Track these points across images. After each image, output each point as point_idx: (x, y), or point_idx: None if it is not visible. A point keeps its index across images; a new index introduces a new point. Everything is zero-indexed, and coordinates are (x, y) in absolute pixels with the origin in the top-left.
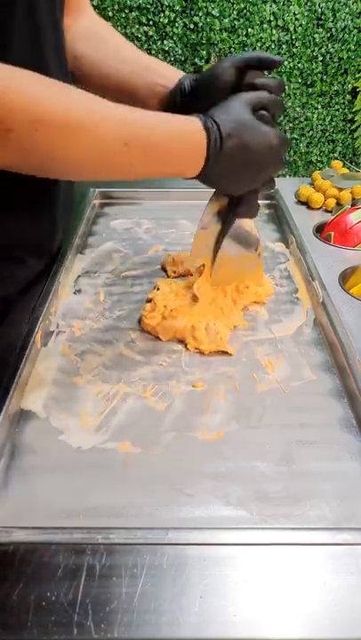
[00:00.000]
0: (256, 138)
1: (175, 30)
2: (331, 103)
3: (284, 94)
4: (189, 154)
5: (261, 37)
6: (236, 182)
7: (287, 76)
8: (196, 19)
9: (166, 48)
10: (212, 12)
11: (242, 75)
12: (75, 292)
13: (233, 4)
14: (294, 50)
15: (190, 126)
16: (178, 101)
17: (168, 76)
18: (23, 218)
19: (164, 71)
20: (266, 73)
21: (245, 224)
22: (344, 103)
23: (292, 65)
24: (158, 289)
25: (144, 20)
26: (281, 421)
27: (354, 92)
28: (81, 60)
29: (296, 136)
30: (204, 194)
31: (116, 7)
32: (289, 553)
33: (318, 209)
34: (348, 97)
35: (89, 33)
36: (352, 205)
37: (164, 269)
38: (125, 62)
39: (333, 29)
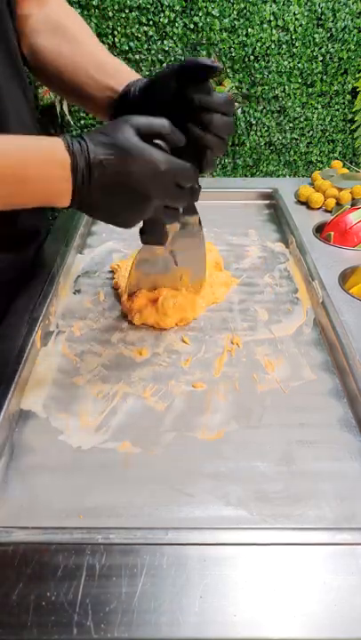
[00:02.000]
0: (137, 165)
1: (175, 30)
2: (331, 103)
3: (284, 96)
4: (51, 181)
5: (261, 37)
6: (117, 215)
7: (287, 76)
8: (196, 19)
9: (166, 48)
10: (212, 12)
11: (184, 84)
12: (75, 292)
13: (233, 3)
14: (294, 50)
15: (52, 150)
16: (128, 106)
17: (119, 78)
18: None
19: (117, 73)
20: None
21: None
22: (344, 103)
23: (292, 65)
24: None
25: (144, 20)
26: (281, 421)
27: (354, 92)
28: (37, 54)
29: (296, 136)
30: (204, 194)
31: (116, 7)
32: (289, 553)
33: (318, 209)
34: (348, 97)
35: (50, 24)
36: (352, 205)
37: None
38: (81, 59)
39: (333, 29)
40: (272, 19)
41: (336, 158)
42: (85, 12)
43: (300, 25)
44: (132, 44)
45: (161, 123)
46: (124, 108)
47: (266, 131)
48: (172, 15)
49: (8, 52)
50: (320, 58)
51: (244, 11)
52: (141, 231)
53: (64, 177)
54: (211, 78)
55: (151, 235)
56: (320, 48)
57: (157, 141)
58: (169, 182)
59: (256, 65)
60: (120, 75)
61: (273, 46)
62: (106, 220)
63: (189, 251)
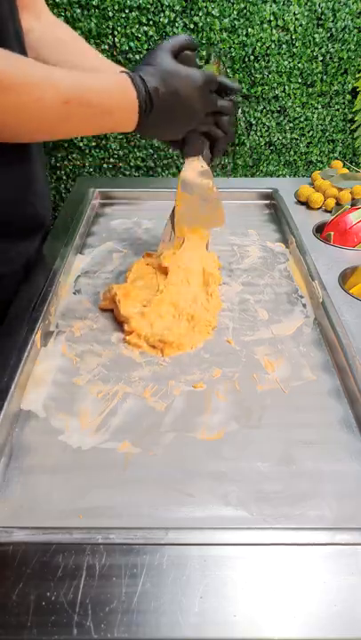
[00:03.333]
0: (181, 83)
1: (175, 30)
2: (331, 103)
3: (284, 96)
4: (123, 110)
5: (261, 37)
6: (171, 128)
7: (287, 76)
8: (196, 19)
9: None
10: (212, 12)
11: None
12: (74, 292)
13: (233, 3)
14: (294, 50)
15: (121, 84)
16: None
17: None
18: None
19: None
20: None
21: (196, 164)
22: (344, 103)
23: (292, 65)
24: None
25: (144, 20)
26: (281, 421)
27: (354, 92)
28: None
29: (296, 136)
30: None
31: (116, 7)
32: (289, 553)
33: (318, 209)
34: (349, 97)
35: (51, 38)
36: (352, 205)
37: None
38: (91, 69)
39: (333, 29)
40: (272, 19)
41: (336, 158)
42: (85, 12)
43: (300, 25)
44: (132, 43)
45: (183, 37)
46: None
47: (266, 131)
48: (172, 15)
49: (21, 50)
50: (320, 58)
51: (244, 11)
52: (181, 146)
53: (132, 106)
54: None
55: (192, 146)
56: (320, 48)
57: (188, 53)
58: (206, 91)
59: (256, 65)
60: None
61: (273, 46)
62: (159, 137)
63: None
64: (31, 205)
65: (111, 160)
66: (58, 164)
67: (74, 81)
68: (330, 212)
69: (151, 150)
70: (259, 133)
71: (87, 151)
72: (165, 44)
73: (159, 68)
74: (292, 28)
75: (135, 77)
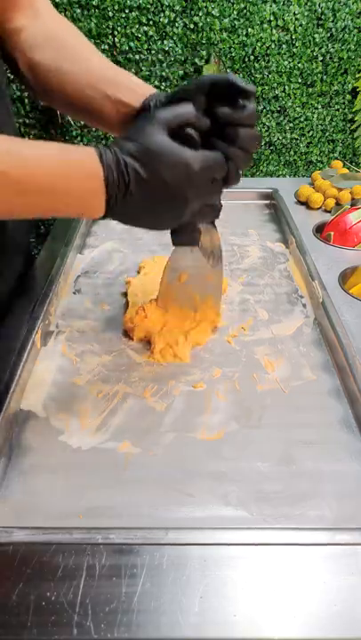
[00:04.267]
0: (171, 170)
1: (175, 30)
2: (331, 103)
3: (284, 96)
4: (82, 192)
5: (261, 37)
6: (154, 221)
7: (287, 76)
8: (196, 19)
9: (166, 48)
10: (212, 12)
11: (213, 99)
12: (75, 292)
13: (233, 3)
14: (294, 50)
15: (83, 160)
16: None
17: (131, 91)
18: None
19: (128, 85)
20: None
21: (206, 240)
22: (344, 103)
23: (292, 65)
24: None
25: (144, 20)
26: (281, 421)
27: (354, 92)
28: (37, 70)
29: (296, 136)
30: None
31: (116, 7)
32: (289, 553)
33: (318, 209)
34: (349, 97)
35: (46, 37)
36: (352, 205)
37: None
38: (85, 73)
39: (333, 29)
40: (272, 19)
41: (336, 158)
42: (85, 12)
43: (300, 25)
44: (132, 43)
45: (186, 109)
46: None
47: (266, 131)
48: (172, 15)
49: None
50: (320, 58)
51: (244, 11)
52: (173, 232)
53: (97, 190)
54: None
55: (184, 235)
56: (320, 48)
57: (189, 131)
58: (204, 180)
59: (256, 65)
60: (133, 88)
61: (273, 46)
62: (144, 227)
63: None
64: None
65: None
66: None
67: (12, 149)
68: (330, 211)
69: None
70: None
71: None
72: (162, 114)
73: (144, 144)
74: (292, 28)
75: (106, 154)
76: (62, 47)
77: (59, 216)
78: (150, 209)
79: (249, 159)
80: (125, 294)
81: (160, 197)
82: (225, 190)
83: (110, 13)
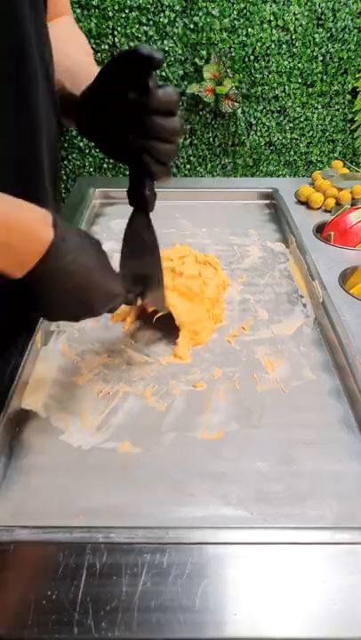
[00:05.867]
0: (95, 289)
1: (175, 30)
2: (331, 103)
3: (284, 96)
4: (22, 245)
5: (261, 37)
6: (56, 306)
7: (287, 76)
8: (196, 19)
9: (166, 48)
10: (212, 12)
11: (125, 80)
12: None
13: (233, 3)
14: (294, 50)
15: (33, 216)
16: (84, 112)
17: (77, 79)
18: None
19: (75, 74)
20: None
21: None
22: (344, 103)
23: (292, 65)
24: None
25: (144, 20)
26: (281, 421)
27: (354, 92)
28: None
29: (296, 136)
30: (204, 194)
31: (116, 7)
32: (289, 552)
33: (318, 209)
34: (349, 97)
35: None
36: (352, 205)
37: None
38: (64, 66)
39: (333, 29)
40: (272, 19)
41: (336, 158)
42: (85, 12)
43: (300, 25)
44: (132, 44)
45: None
46: (82, 114)
47: (266, 131)
48: (172, 15)
49: (46, 72)
50: (320, 58)
51: (244, 11)
52: (128, 193)
53: (36, 250)
54: (153, 71)
55: (133, 197)
56: (320, 48)
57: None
58: (117, 302)
59: (256, 65)
60: (79, 76)
61: (273, 46)
62: (38, 312)
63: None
64: None
65: (111, 160)
66: (58, 164)
67: None
68: (330, 211)
69: None
70: (259, 133)
71: (87, 151)
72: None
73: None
74: (292, 28)
75: (58, 223)
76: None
77: None
78: (58, 297)
79: (170, 151)
80: None
81: (75, 287)
82: (224, 191)
83: (110, 13)
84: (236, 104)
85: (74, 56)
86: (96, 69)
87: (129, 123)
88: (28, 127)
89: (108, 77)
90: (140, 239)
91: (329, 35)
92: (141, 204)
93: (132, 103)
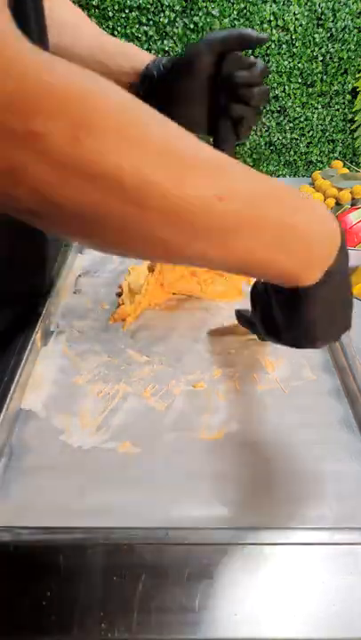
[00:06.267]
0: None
1: (175, 30)
2: (331, 103)
3: (284, 96)
4: (327, 250)
5: None
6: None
7: (287, 76)
8: (196, 19)
9: (166, 48)
10: (212, 12)
11: (221, 58)
12: (75, 292)
13: (233, 3)
14: (294, 50)
15: (329, 216)
16: (153, 88)
17: (136, 58)
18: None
19: (127, 54)
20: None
21: None
22: (344, 103)
23: (292, 65)
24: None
25: (144, 20)
26: (281, 421)
27: (354, 92)
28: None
29: (296, 136)
30: None
31: (116, 7)
32: (289, 552)
33: None
34: (349, 97)
35: (51, 21)
36: (352, 205)
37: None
38: (83, 46)
39: (333, 29)
40: (272, 19)
41: (336, 158)
42: (85, 12)
43: (300, 25)
44: (132, 44)
45: None
46: (149, 90)
47: (266, 131)
48: (172, 15)
49: (40, 30)
50: (320, 58)
51: (244, 11)
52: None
53: (335, 244)
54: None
55: (220, 140)
56: (320, 48)
57: None
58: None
59: None
60: (132, 57)
61: (273, 46)
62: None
63: None
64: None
65: None
66: None
67: (247, 175)
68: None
69: None
70: (259, 133)
71: None
72: None
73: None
74: (292, 28)
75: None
76: (62, 26)
77: (265, 272)
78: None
79: (260, 115)
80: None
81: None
82: None
83: (110, 13)
84: None
85: (100, 40)
86: (129, 47)
87: (219, 95)
88: None
89: (195, 57)
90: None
91: (329, 35)
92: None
93: (236, 80)
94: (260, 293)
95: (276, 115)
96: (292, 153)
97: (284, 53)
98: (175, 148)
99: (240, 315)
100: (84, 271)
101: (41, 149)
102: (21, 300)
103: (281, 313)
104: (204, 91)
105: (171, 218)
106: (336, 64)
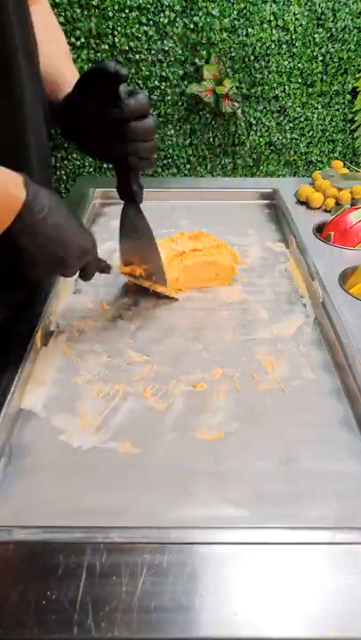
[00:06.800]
0: (70, 245)
1: (175, 30)
2: (331, 103)
3: (284, 96)
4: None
5: (261, 37)
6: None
7: (287, 76)
8: (196, 19)
9: (166, 48)
10: (212, 12)
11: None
12: (75, 292)
13: (233, 3)
14: (294, 50)
15: (6, 178)
16: (66, 119)
17: (59, 85)
18: None
19: (58, 81)
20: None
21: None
22: (344, 103)
23: (292, 65)
24: None
25: (144, 20)
26: (281, 421)
27: (354, 92)
28: None
29: (296, 136)
30: (204, 194)
31: (116, 7)
32: (289, 552)
33: (318, 209)
34: (349, 97)
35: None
36: (352, 205)
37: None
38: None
39: (333, 29)
40: (272, 19)
41: (336, 158)
42: (85, 12)
43: (300, 25)
44: (132, 44)
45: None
46: (63, 121)
47: (266, 131)
48: (172, 15)
49: (30, 60)
50: (320, 58)
51: (244, 11)
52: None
53: (11, 209)
54: (119, 85)
55: (122, 192)
56: (320, 48)
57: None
58: (88, 257)
59: (256, 65)
60: (58, 84)
61: (273, 46)
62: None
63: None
64: None
65: None
66: (58, 164)
67: None
68: (330, 211)
69: None
70: (259, 133)
71: None
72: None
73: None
74: (292, 28)
75: (30, 184)
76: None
77: None
78: (37, 251)
79: (151, 148)
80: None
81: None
82: (224, 191)
83: (110, 13)
84: (236, 104)
85: (54, 60)
86: (73, 77)
87: (108, 130)
88: (8, 109)
89: (83, 91)
90: (134, 226)
91: (329, 35)
92: (131, 196)
93: (108, 114)
94: None
95: (276, 115)
96: (292, 153)
97: (284, 53)
98: None
99: None
100: None
101: None
102: (21, 300)
103: None
104: (94, 125)
105: None
106: (336, 64)
